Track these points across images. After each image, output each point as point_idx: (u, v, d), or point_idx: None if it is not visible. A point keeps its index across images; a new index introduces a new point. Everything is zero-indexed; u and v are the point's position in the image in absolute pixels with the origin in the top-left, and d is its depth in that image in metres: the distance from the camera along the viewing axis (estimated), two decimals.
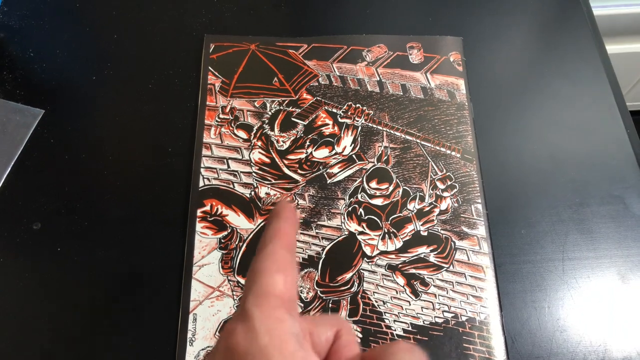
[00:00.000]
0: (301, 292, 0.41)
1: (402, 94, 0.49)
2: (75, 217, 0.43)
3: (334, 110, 0.48)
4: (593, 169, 0.47)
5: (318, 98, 0.49)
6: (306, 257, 0.42)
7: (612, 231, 0.45)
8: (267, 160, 0.46)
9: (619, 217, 0.45)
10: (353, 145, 0.47)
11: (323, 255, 0.43)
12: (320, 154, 0.46)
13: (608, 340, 0.41)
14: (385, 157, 0.46)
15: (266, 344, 0.20)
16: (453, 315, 0.41)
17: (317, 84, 0.49)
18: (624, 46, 1.04)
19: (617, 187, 0.47)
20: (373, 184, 0.45)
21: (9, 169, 0.45)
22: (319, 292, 0.41)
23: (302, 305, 0.41)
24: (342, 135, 0.47)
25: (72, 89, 0.49)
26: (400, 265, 0.42)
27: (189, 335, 0.39)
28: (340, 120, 0.48)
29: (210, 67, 0.49)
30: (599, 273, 0.43)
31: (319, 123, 0.48)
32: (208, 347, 0.39)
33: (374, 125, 0.48)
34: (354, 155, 0.46)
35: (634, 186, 0.47)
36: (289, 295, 0.23)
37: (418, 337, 0.40)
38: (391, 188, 0.45)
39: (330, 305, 0.41)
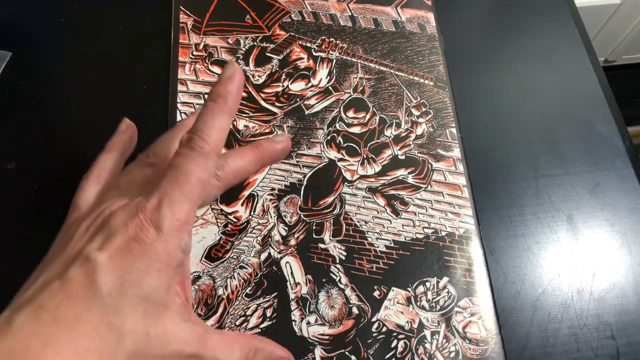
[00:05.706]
0: (285, 217, 0.42)
1: (374, 27, 0.50)
2: (53, 155, 0.43)
3: (308, 44, 0.48)
4: (561, 93, 0.49)
5: (292, 33, 0.49)
6: (288, 184, 0.43)
7: (580, 149, 0.47)
8: (244, 94, 0.46)
9: (587, 136, 0.47)
10: (329, 77, 0.47)
11: (305, 182, 0.43)
12: (297, 86, 0.47)
13: (580, 248, 0.43)
14: (361, 88, 0.47)
15: None
16: (433, 230, 0.42)
17: (289, 20, 0.49)
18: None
19: (584, 109, 0.48)
20: (350, 114, 0.46)
21: None
22: (302, 215, 0.42)
23: (287, 228, 0.41)
24: (317, 68, 0.47)
25: (40, 31, 0.48)
26: (380, 188, 0.43)
27: None
28: (314, 54, 0.48)
29: (181, 7, 0.49)
30: (569, 188, 0.45)
31: (294, 57, 0.48)
32: (195, 272, 0.39)
33: (349, 58, 0.48)
34: (330, 87, 0.47)
35: (598, 108, 0.49)
36: None
37: (400, 252, 0.41)
38: (368, 116, 0.46)
39: (314, 227, 0.41)
